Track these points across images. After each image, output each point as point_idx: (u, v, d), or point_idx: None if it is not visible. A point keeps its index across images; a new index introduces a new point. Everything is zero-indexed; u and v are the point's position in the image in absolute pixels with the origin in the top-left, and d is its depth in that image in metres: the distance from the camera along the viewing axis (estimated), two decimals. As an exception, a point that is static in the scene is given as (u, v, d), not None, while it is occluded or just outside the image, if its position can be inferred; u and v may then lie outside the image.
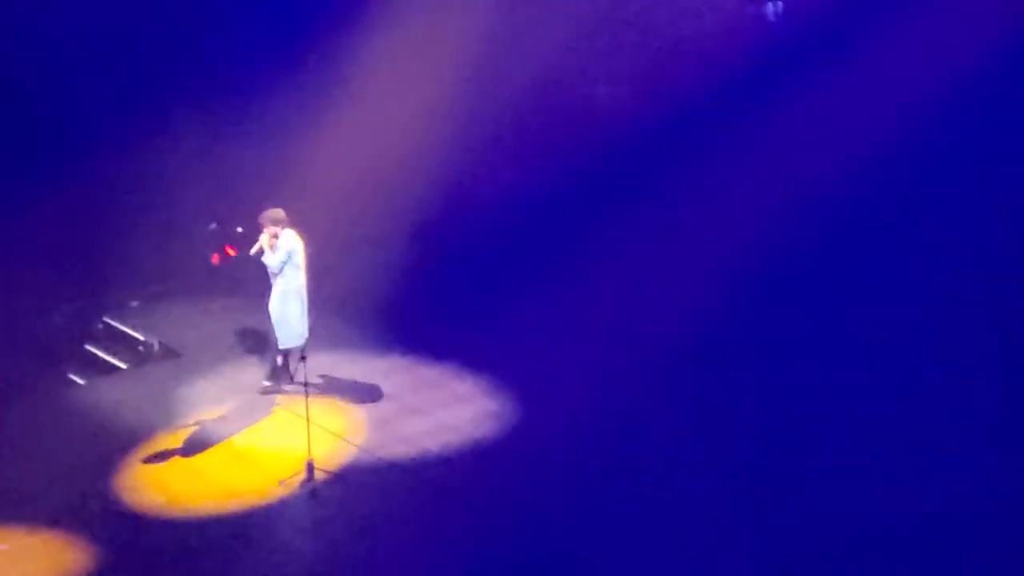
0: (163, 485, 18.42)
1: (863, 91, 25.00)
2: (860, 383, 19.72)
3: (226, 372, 20.78)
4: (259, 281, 20.90)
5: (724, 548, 16.64)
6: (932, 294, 21.81)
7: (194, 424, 19.58)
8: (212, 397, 20.22)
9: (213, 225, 21.95)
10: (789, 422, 19.11)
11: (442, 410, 19.89)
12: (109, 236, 22.94)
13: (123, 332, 21.87)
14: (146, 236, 23.17)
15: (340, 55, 24.46)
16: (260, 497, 17.97)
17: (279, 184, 23.05)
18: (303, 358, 19.42)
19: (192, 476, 18.57)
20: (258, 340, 20.85)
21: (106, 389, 20.73)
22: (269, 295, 19.82)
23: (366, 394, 20.18)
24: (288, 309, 19.68)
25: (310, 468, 18.05)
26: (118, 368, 21.37)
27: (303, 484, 17.97)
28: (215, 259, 21.67)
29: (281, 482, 18.02)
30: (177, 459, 18.88)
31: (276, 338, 19.72)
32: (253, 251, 19.74)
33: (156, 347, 21.51)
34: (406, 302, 22.34)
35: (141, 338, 21.63)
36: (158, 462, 18.81)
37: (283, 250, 19.54)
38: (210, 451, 19.06)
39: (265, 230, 19.68)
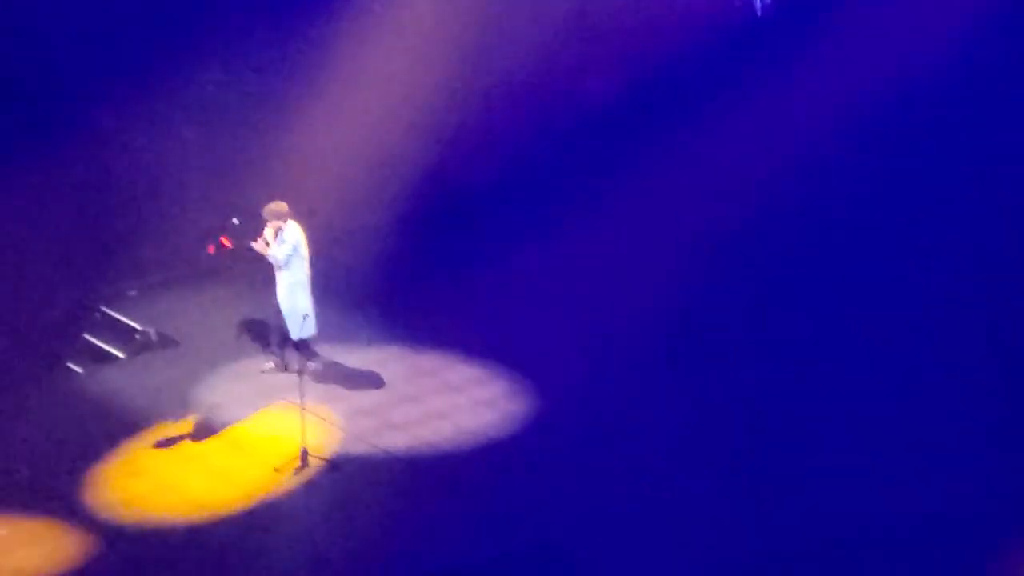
0: (158, 472, 18.48)
1: (854, 84, 24.78)
2: (861, 382, 19.65)
3: (223, 360, 20.78)
4: (255, 272, 20.95)
5: (721, 548, 16.70)
6: (930, 292, 21.72)
7: (191, 412, 19.62)
8: (209, 385, 20.18)
9: (235, 220, 21.98)
10: (793, 422, 19.08)
11: (435, 398, 19.90)
12: (107, 227, 23.05)
13: (121, 321, 21.85)
14: (143, 227, 23.16)
15: (333, 47, 24.32)
16: (256, 484, 17.99)
17: (275, 176, 23.04)
18: (303, 347, 19.46)
19: (188, 463, 18.61)
20: (254, 329, 20.90)
21: (104, 378, 20.71)
22: (274, 287, 19.84)
23: (360, 382, 20.17)
24: (297, 301, 19.76)
25: (304, 455, 18.12)
26: (116, 357, 21.32)
27: (298, 471, 18.02)
28: (211, 250, 21.56)
29: (276, 469, 18.08)
30: (173, 446, 18.91)
31: (287, 329, 19.76)
32: (257, 245, 19.75)
33: (153, 336, 21.46)
34: (400, 293, 22.25)
35: (138, 327, 21.60)
36: (154, 449, 18.84)
37: (288, 243, 19.60)
38: (206, 438, 19.10)
39: (268, 224, 19.71)
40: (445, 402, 19.79)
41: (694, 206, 23.47)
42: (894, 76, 24.76)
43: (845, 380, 19.67)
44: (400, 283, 22.52)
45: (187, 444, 19.00)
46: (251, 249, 19.82)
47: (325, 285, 20.45)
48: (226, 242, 21.30)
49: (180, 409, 19.65)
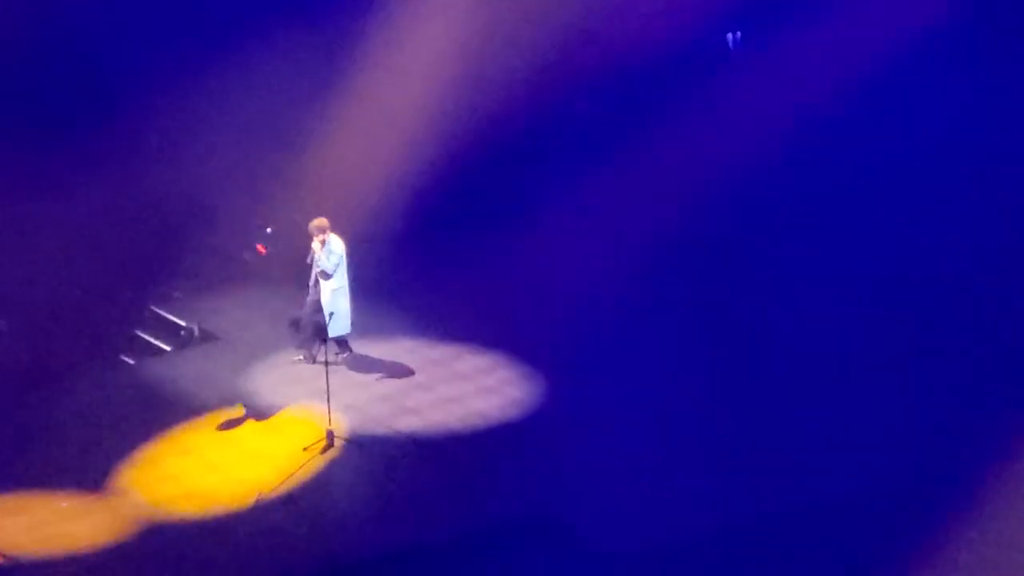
0: (201, 451, 18.90)
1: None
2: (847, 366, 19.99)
3: (258, 353, 21.02)
4: (286, 275, 21.62)
5: (720, 548, 16.90)
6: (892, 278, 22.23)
7: (230, 399, 19.96)
8: (245, 375, 20.52)
9: (268, 230, 21.97)
10: (789, 402, 19.41)
11: (444, 385, 20.27)
12: (156, 238, 23.62)
13: (167, 319, 22.09)
14: (188, 238, 23.52)
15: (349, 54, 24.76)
16: (288, 462, 18.48)
17: (304, 191, 23.48)
18: (340, 342, 20.10)
19: (227, 443, 19.08)
20: (286, 325, 21.10)
21: (152, 368, 21.06)
22: (309, 289, 20.20)
23: (379, 372, 20.55)
24: (339, 303, 20.09)
25: (330, 436, 18.73)
26: (163, 350, 21.62)
27: (324, 450, 18.55)
28: (261, 250, 21.91)
29: (305, 449, 18.65)
30: (214, 428, 19.34)
31: (328, 328, 19.93)
32: (309, 259, 20.09)
33: (196, 332, 21.77)
34: (414, 293, 22.49)
35: (183, 324, 21.88)
36: (197, 431, 19.27)
37: (335, 254, 20.02)
38: (243, 422, 19.52)
39: (315, 238, 20.03)
40: (454, 389, 20.12)
41: (692, 207, 23.66)
42: (844, 98, 25.15)
43: (839, 377, 19.96)
44: (415, 284, 22.73)
45: (226, 427, 19.37)
46: (310, 264, 20.14)
47: (353, 288, 20.57)
48: (261, 249, 21.94)
49: (220, 396, 20.00)
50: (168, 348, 21.83)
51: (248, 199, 24.05)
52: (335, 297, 20.13)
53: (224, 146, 25.04)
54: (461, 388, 20.27)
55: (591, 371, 20.33)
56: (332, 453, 18.74)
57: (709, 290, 22.37)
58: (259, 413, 19.77)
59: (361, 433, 19.20)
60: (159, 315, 22.39)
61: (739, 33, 26.96)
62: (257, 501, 17.90)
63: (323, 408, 19.04)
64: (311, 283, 20.40)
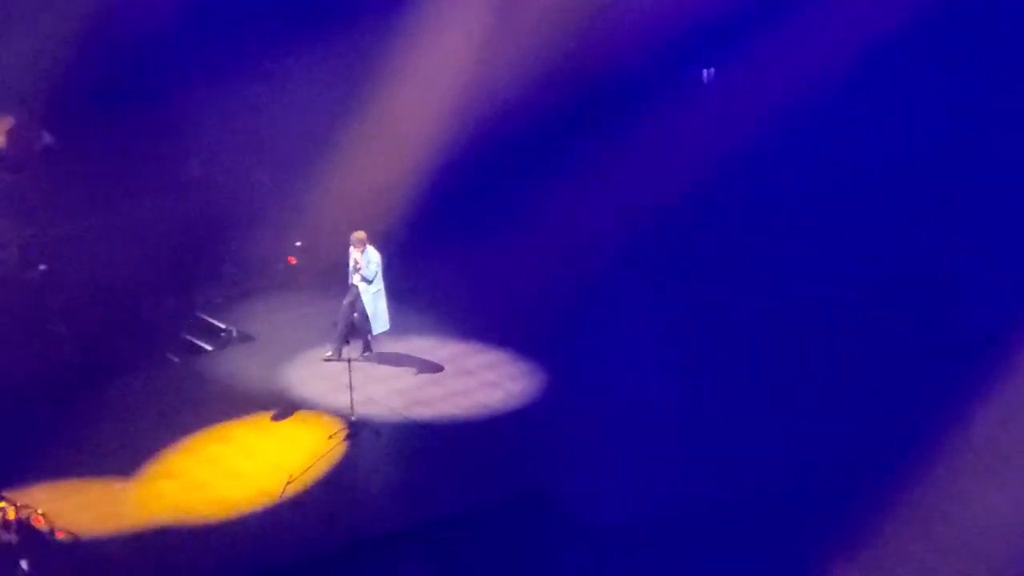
0: (240, 439, 19.46)
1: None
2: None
3: (291, 352, 21.52)
4: (316, 282, 22.47)
5: (695, 521, 17.42)
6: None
7: (266, 393, 20.46)
8: (280, 371, 21.04)
9: (298, 243, 22.82)
10: (784, 386, 19.71)
11: (453, 380, 20.85)
12: (198, 250, 24.00)
13: (210, 322, 22.57)
14: (226, 250, 24.02)
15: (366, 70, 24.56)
16: (316, 448, 19.12)
17: (331, 206, 23.56)
18: (374, 340, 20.52)
19: (263, 432, 19.67)
20: (318, 327, 21.52)
21: (196, 366, 21.64)
22: (343, 295, 20.55)
23: (396, 368, 21.04)
24: (379, 305, 20.63)
25: (353, 425, 19.48)
26: (205, 350, 22.13)
27: (348, 437, 19.19)
28: (291, 260, 22.66)
29: (330, 436, 19.37)
30: (251, 419, 19.93)
31: (370, 327, 20.50)
32: (351, 270, 20.47)
33: (235, 334, 22.33)
34: (428, 298, 22.95)
35: (223, 327, 22.41)
36: (236, 421, 19.84)
37: (374, 263, 20.51)
38: (277, 413, 20.08)
39: (354, 249, 20.50)
40: (462, 383, 20.73)
41: (691, 207, 23.89)
42: (844, 98, 24.90)
43: (833, 373, 20.18)
44: (426, 288, 23.20)
45: (262, 417, 20.00)
46: (355, 270, 20.46)
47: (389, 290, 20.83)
48: (292, 260, 22.91)
49: (256, 390, 20.56)
50: (210, 348, 22.30)
51: (280, 218, 24.32)
52: (375, 299, 20.66)
53: (255, 172, 25.46)
54: (468, 383, 20.81)
55: (587, 368, 20.73)
56: (355, 440, 19.40)
57: (708, 290, 22.62)
58: (291, 405, 20.28)
59: (380, 422, 19.74)
60: (202, 319, 22.86)
61: (713, 69, 26.84)
62: (289, 481, 18.57)
63: (347, 400, 19.70)
64: (350, 284, 20.89)
